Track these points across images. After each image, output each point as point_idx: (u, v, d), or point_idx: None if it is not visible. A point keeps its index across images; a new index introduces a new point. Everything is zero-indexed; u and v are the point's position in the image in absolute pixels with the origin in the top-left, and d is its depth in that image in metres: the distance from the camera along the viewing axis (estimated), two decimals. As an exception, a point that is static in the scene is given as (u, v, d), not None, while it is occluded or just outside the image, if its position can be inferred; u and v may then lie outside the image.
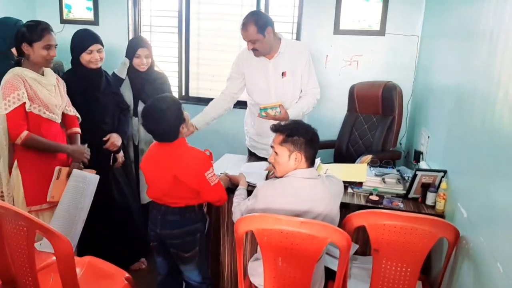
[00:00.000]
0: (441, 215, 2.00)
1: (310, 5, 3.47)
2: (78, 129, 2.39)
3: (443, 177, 2.09)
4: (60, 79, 2.34)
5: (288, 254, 1.64)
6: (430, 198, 2.10)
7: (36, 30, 2.10)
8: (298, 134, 1.77)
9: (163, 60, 3.89)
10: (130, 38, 3.88)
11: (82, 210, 2.20)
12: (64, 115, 2.32)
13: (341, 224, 1.78)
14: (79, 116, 2.39)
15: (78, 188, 2.19)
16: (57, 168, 2.17)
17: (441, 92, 2.45)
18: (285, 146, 1.78)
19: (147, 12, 3.96)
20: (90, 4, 3.88)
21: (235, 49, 3.77)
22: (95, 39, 2.40)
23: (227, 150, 2.96)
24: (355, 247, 2.09)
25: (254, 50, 2.49)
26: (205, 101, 3.35)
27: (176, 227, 1.98)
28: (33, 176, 2.17)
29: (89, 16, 3.90)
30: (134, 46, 2.66)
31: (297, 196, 1.76)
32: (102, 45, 2.43)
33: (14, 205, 2.13)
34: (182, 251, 2.02)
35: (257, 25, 2.39)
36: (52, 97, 2.19)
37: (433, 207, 2.09)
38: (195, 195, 1.97)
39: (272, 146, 1.84)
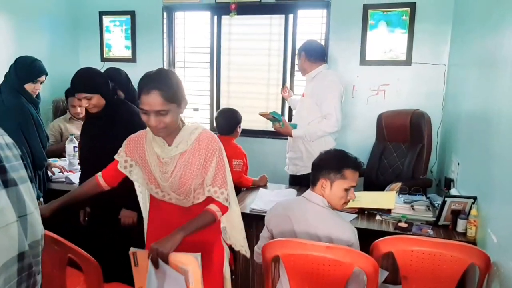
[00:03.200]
0: (473, 242, 1.96)
1: (336, 38, 3.57)
2: (212, 206, 1.60)
3: (473, 203, 2.06)
4: (207, 148, 1.60)
5: (315, 280, 1.65)
6: (460, 225, 2.07)
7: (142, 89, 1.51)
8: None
9: (196, 93, 4.06)
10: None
11: None
12: None
13: (368, 251, 1.78)
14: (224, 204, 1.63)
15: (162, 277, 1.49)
16: (130, 252, 1.56)
17: (469, 119, 2.45)
18: None
19: (181, 49, 4.19)
20: (129, 43, 4.14)
21: (263, 82, 3.90)
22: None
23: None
24: (384, 273, 2.06)
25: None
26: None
27: None
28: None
29: (128, 54, 4.15)
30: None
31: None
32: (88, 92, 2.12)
33: None
34: None
35: (298, 48, 3.03)
36: (158, 168, 1.63)
37: (464, 234, 2.05)
38: None
39: None
